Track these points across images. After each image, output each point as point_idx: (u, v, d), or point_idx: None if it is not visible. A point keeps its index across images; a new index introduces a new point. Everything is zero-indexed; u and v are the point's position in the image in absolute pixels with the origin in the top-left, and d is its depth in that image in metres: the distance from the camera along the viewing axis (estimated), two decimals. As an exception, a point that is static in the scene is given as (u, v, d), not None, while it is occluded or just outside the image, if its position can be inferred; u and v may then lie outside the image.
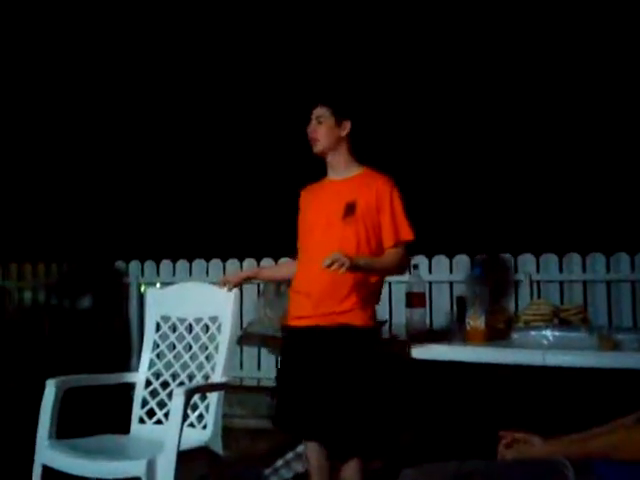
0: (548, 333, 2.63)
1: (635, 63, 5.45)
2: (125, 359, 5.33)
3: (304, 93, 3.52)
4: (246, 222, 6.30)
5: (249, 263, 5.08)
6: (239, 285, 2.83)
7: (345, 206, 2.54)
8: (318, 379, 2.48)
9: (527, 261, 4.52)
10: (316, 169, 2.76)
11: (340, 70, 5.92)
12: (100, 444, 2.50)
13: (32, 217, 6.42)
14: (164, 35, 6.77)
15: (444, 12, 6.08)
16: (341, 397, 2.43)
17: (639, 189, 5.43)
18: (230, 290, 2.74)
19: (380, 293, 2.69)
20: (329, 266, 2.29)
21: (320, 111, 2.64)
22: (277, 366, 4.79)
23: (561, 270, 4.46)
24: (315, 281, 2.52)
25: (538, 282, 4.46)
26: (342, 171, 2.67)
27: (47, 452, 2.42)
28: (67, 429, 2.54)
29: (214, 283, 2.89)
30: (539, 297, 4.34)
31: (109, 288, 5.50)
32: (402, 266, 2.66)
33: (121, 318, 5.42)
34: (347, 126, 2.64)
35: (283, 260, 4.66)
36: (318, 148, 2.65)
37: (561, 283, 4.45)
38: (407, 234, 2.58)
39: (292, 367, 2.61)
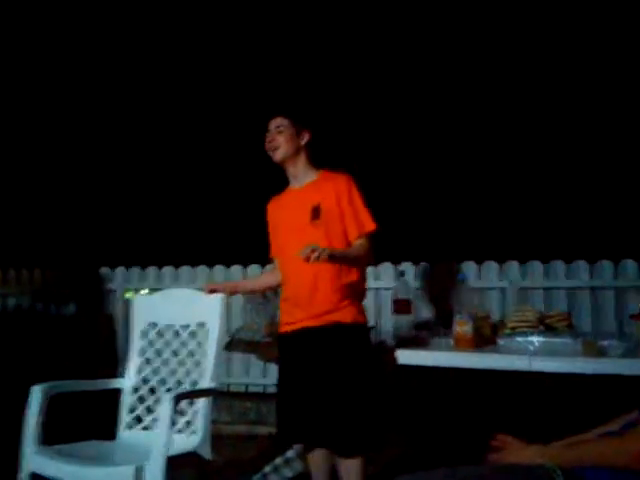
0: (534, 339, 2.66)
1: (634, 67, 5.51)
2: (112, 365, 5.29)
3: (262, 104, 3.57)
4: (233, 229, 6.30)
5: (236, 269, 5.08)
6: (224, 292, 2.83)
7: (311, 210, 2.64)
8: (317, 383, 2.54)
9: (512, 268, 4.56)
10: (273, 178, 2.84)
11: (298, 80, 5.96)
12: (88, 450, 2.49)
13: (17, 223, 6.37)
14: (163, 34, 6.75)
15: (424, 11, 6.12)
16: (341, 396, 2.49)
17: (622, 198, 5.51)
18: (218, 292, 2.77)
19: (364, 291, 2.75)
20: (307, 257, 2.34)
21: (280, 121, 2.73)
22: (264, 373, 4.84)
23: (546, 277, 4.51)
24: (299, 286, 2.62)
25: (524, 289, 4.49)
26: (302, 178, 2.77)
27: (34, 458, 2.39)
28: (54, 435, 2.52)
29: (201, 289, 2.88)
30: (524, 304, 4.38)
31: (94, 294, 5.47)
32: (369, 256, 2.72)
33: (107, 324, 5.39)
34: (306, 136, 2.74)
35: (268, 268, 4.68)
36: (278, 156, 2.75)
37: (545, 290, 4.49)
38: (369, 225, 2.66)
39: (290, 376, 2.66)
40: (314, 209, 2.65)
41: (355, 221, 2.65)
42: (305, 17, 6.25)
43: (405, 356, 2.73)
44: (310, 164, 2.78)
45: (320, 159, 2.82)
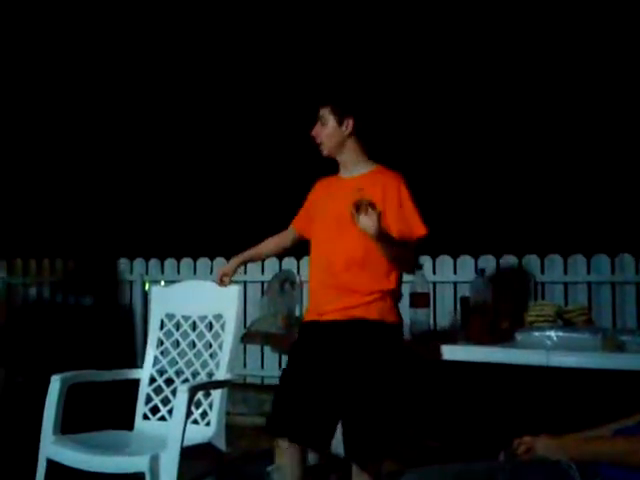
0: (552, 334, 2.63)
1: (636, 63, 5.44)
2: (129, 356, 5.34)
3: (306, 94, 3.50)
4: (250, 220, 6.31)
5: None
6: (235, 272, 2.79)
7: (354, 203, 2.42)
8: (332, 380, 2.35)
9: (532, 262, 4.52)
10: (321, 168, 2.75)
11: (339, 68, 5.92)
12: (104, 439, 2.52)
13: (37, 213, 6.44)
14: (164, 34, 6.78)
15: (452, 11, 6.08)
16: (356, 399, 2.31)
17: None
18: (230, 282, 2.74)
19: (400, 289, 2.58)
20: (358, 209, 2.22)
21: (321, 112, 2.59)
22: (280, 364, 4.85)
23: (566, 272, 4.45)
24: (330, 276, 2.49)
25: (543, 283, 4.45)
26: (351, 169, 2.61)
27: (52, 447, 2.43)
28: (72, 424, 2.55)
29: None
30: (543, 298, 4.34)
31: (114, 285, 5.52)
32: (410, 262, 2.56)
33: (125, 315, 5.44)
34: (350, 124, 2.55)
35: (286, 260, 4.68)
36: (324, 151, 2.61)
37: (565, 284, 4.44)
38: (418, 229, 2.49)
39: (302, 366, 2.45)
40: (357, 203, 2.45)
41: (403, 223, 2.47)
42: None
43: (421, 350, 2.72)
44: (362, 153, 2.60)
45: (377, 153, 2.64)
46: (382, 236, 2.28)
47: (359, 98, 2.73)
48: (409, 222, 2.48)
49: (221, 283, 2.77)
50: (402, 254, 2.46)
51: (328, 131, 2.57)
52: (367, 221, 2.24)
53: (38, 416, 2.51)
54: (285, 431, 2.41)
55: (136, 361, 4.99)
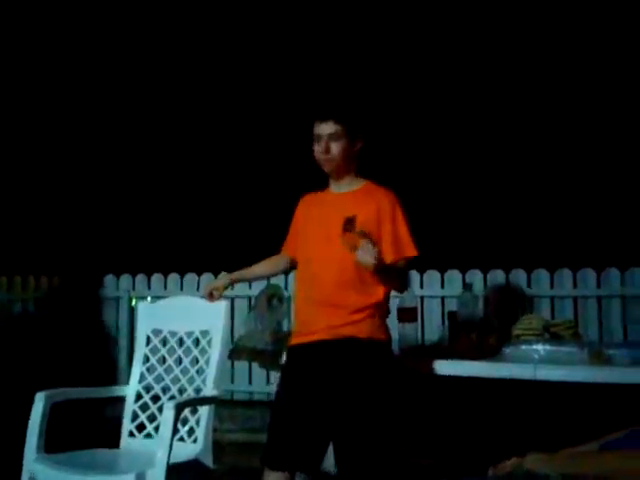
0: (539, 347, 2.63)
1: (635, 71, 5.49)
2: (115, 372, 5.29)
3: (303, 107, 3.48)
4: (238, 236, 6.30)
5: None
6: (225, 289, 2.75)
7: (344, 221, 2.43)
8: (324, 404, 2.32)
9: (519, 276, 4.54)
10: (310, 182, 2.72)
11: (347, 85, 5.93)
12: (90, 458, 2.48)
13: (22, 230, 6.39)
14: (162, 41, 6.78)
15: (450, 22, 6.13)
16: (350, 424, 2.27)
17: (629, 205, 5.48)
18: (219, 298, 2.71)
19: (387, 308, 2.53)
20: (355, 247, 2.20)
21: (333, 127, 2.44)
22: (268, 380, 4.82)
23: (552, 286, 4.48)
24: (318, 293, 2.42)
25: (530, 297, 4.47)
26: (344, 185, 2.54)
27: (35, 466, 2.39)
28: (56, 443, 2.52)
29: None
30: (531, 312, 4.35)
31: (100, 301, 5.48)
32: (404, 283, 2.54)
33: (112, 331, 5.39)
34: (359, 144, 2.51)
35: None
36: (331, 166, 2.49)
37: (552, 298, 4.46)
38: (411, 250, 2.45)
39: (294, 393, 2.40)
40: (348, 220, 2.41)
41: (394, 242, 2.41)
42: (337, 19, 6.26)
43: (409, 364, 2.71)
44: (356, 173, 2.55)
45: (364, 168, 2.59)
46: (381, 269, 2.25)
47: (368, 119, 2.69)
48: (401, 242, 2.44)
49: (210, 298, 2.73)
50: (396, 278, 2.44)
51: (342, 147, 2.46)
52: (366, 256, 2.19)
53: (21, 435, 2.47)
54: (282, 465, 2.35)
55: (122, 377, 4.94)
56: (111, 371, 5.30)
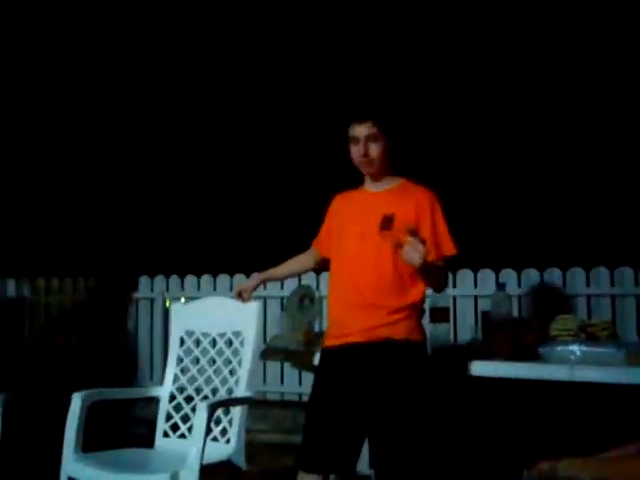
0: (575, 348, 2.58)
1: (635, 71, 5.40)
2: (150, 373, 5.36)
3: (334, 108, 3.46)
4: (270, 237, 6.32)
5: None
6: (255, 289, 2.77)
7: (382, 218, 2.39)
8: (359, 407, 2.30)
9: (554, 275, 4.46)
10: (339, 182, 2.70)
11: (383, 85, 5.91)
12: (125, 457, 2.53)
13: (59, 232, 6.50)
14: (167, 42, 6.81)
15: (456, 25, 6.09)
16: (386, 426, 2.26)
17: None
18: (249, 298, 2.73)
19: (423, 309, 2.51)
20: (400, 245, 2.14)
21: (371, 128, 2.39)
22: (300, 381, 4.83)
23: (588, 284, 4.40)
24: (354, 293, 2.38)
25: (565, 296, 4.39)
26: (380, 184, 2.50)
27: (73, 465, 2.43)
28: (93, 442, 2.56)
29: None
30: (569, 312, 4.28)
31: (134, 303, 5.56)
32: (443, 282, 2.49)
33: (146, 332, 5.47)
34: (395, 143, 2.47)
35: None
36: (374, 169, 2.44)
37: (588, 297, 4.38)
38: (450, 249, 2.41)
39: (328, 396, 2.36)
40: (386, 218, 2.37)
41: (433, 241, 2.35)
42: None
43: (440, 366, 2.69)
44: (392, 169, 2.50)
45: (399, 166, 2.56)
46: (426, 266, 2.17)
47: (403, 117, 2.65)
48: (441, 241, 2.40)
49: (239, 298, 2.75)
50: (437, 277, 2.39)
51: (380, 149, 2.41)
52: (414, 254, 2.11)
53: (60, 434, 2.52)
54: (318, 467, 2.32)
55: (156, 378, 5.00)
56: (146, 372, 5.38)
